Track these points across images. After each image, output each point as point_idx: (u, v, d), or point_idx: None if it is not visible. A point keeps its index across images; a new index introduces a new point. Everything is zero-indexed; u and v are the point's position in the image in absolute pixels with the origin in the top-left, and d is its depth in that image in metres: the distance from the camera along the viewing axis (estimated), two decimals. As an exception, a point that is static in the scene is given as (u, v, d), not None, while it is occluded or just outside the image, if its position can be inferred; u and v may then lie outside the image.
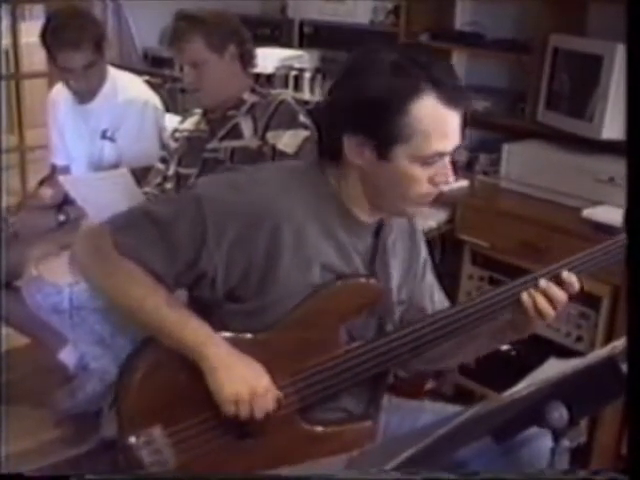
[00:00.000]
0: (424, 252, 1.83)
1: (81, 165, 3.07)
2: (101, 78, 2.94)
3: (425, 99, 1.48)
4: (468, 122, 1.56)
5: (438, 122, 1.50)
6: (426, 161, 1.52)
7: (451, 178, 1.57)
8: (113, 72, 3.01)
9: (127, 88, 3.01)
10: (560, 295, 1.59)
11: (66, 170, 3.13)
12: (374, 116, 1.49)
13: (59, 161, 3.17)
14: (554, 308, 1.59)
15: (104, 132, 2.98)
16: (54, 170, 3.18)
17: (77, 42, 2.75)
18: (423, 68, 1.49)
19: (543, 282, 1.59)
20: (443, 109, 1.49)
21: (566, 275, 1.60)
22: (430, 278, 1.84)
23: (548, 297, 1.58)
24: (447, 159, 1.55)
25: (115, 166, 2.87)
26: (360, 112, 1.50)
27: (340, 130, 1.54)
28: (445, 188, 1.60)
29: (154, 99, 3.06)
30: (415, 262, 1.79)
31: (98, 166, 2.98)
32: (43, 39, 2.80)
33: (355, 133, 1.52)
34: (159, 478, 1.58)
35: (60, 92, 3.06)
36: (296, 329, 1.59)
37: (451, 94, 1.50)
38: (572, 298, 1.63)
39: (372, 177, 1.56)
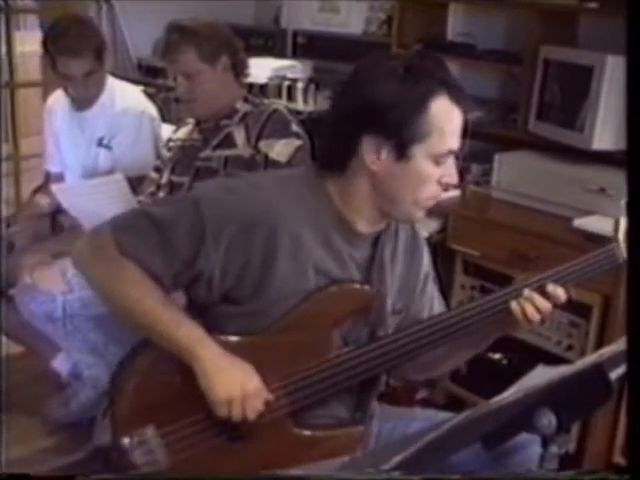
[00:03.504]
0: (426, 266, 1.84)
1: (75, 173, 3.08)
2: (100, 86, 2.96)
3: (440, 97, 1.54)
4: (469, 127, 1.61)
5: (450, 119, 1.57)
6: (439, 160, 1.57)
7: (456, 178, 1.62)
8: (111, 81, 3.03)
9: (125, 97, 3.03)
10: (545, 305, 1.64)
11: (60, 177, 3.14)
12: (394, 116, 1.52)
13: (53, 168, 3.18)
14: (540, 315, 1.64)
15: (100, 140, 3.00)
16: (48, 178, 3.19)
17: (78, 49, 2.77)
18: (432, 71, 1.55)
19: (527, 292, 1.64)
20: (453, 107, 1.56)
21: (551, 288, 1.65)
22: (431, 290, 1.86)
23: (534, 306, 1.64)
24: (452, 159, 1.60)
25: (109, 174, 2.87)
26: (379, 114, 1.53)
27: (356, 135, 1.56)
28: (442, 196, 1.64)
29: (151, 109, 3.08)
30: (415, 276, 1.80)
31: (93, 174, 2.98)
32: (45, 45, 2.83)
33: (374, 135, 1.55)
34: (162, 478, 1.59)
35: (57, 100, 3.08)
36: (289, 332, 1.60)
37: (458, 93, 1.57)
38: (562, 307, 1.67)
39: (385, 181, 1.58)
